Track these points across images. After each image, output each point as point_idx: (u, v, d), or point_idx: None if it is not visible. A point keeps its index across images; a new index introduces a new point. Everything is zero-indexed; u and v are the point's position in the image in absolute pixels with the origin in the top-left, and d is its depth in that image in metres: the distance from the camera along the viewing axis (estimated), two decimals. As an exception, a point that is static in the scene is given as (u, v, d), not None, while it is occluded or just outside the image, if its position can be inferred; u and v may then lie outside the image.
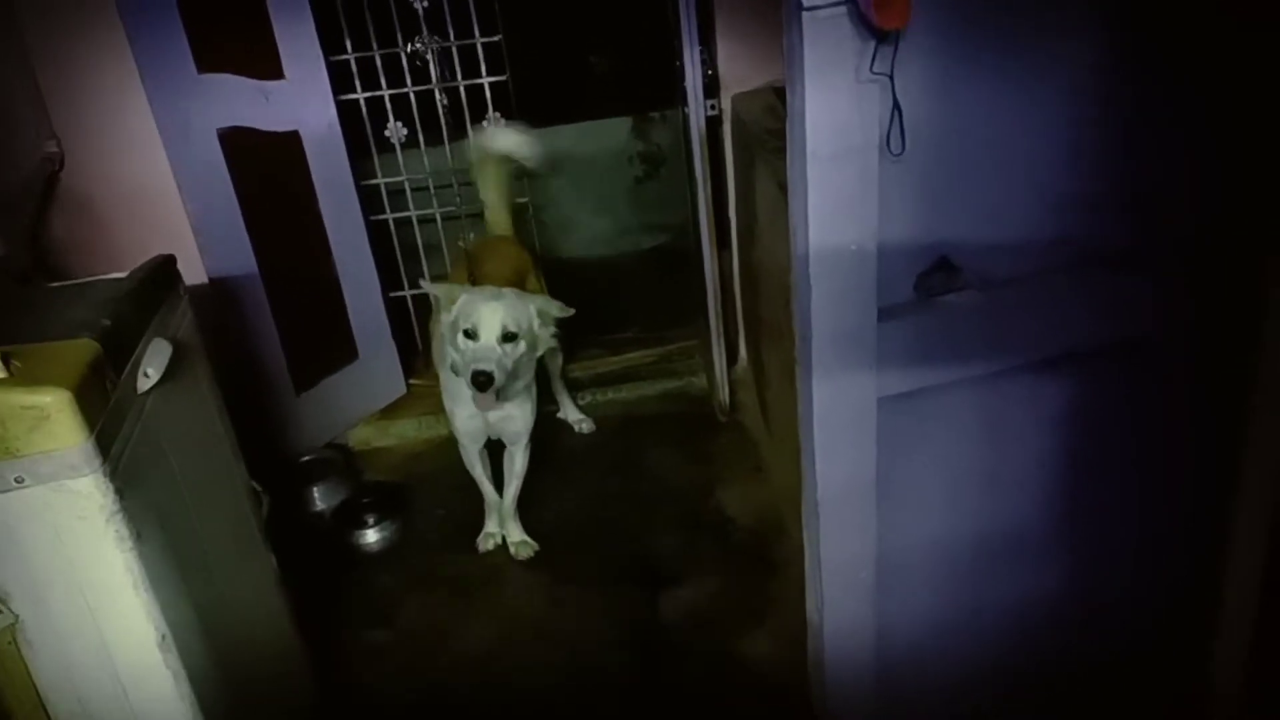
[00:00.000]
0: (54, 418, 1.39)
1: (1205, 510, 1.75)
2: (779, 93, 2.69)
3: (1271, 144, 1.48)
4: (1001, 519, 1.73)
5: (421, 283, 2.71)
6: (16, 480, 1.40)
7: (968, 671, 1.90)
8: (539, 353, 2.69)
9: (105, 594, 1.52)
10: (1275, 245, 1.52)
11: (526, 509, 3.05)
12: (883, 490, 1.59)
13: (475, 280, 2.86)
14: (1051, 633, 1.88)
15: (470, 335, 2.51)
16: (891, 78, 1.28)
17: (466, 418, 2.79)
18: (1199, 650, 1.81)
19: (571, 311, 2.66)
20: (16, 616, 1.50)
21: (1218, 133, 1.51)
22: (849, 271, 1.40)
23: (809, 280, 1.40)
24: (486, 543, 3.03)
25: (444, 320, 2.60)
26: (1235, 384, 1.65)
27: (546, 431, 3.48)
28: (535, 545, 2.98)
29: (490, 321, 2.50)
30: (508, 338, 2.52)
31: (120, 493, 1.48)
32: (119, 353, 1.59)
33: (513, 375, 2.59)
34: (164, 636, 1.57)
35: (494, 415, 2.77)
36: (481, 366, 2.47)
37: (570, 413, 3.62)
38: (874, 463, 1.56)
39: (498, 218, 3.34)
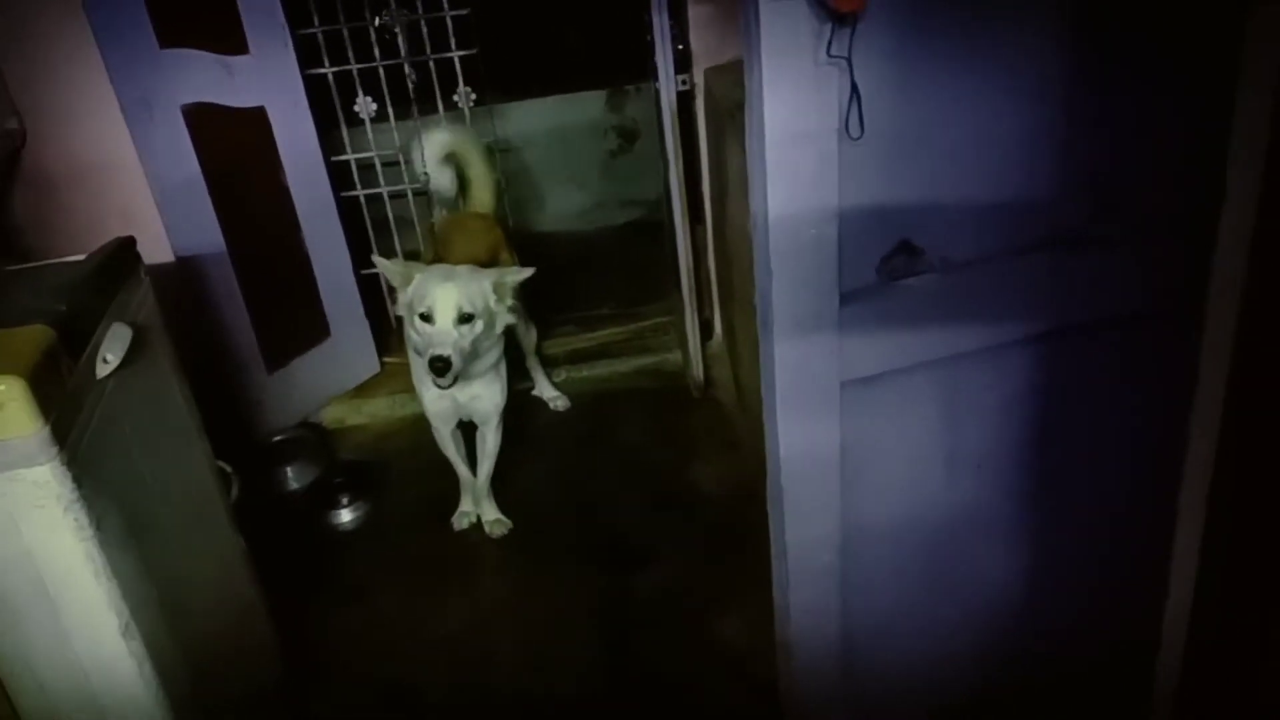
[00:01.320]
0: (6, 406, 1.38)
1: (1164, 491, 1.76)
2: (750, 68, 2.67)
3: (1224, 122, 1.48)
4: (964, 501, 1.73)
5: (375, 259, 2.62)
6: (-30, 470, 1.39)
7: (933, 652, 1.92)
8: (499, 329, 2.63)
9: (65, 583, 1.51)
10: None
11: (501, 487, 3.05)
12: (846, 473, 1.60)
13: (441, 258, 2.83)
14: (1016, 613, 1.89)
15: (426, 319, 2.46)
16: (850, 61, 1.27)
17: (435, 398, 2.76)
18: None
19: (530, 271, 2.60)
20: (-25, 606, 1.49)
21: (1176, 108, 1.50)
22: (810, 256, 1.40)
23: (769, 265, 1.40)
24: (461, 521, 3.03)
25: (400, 301, 2.55)
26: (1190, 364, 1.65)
27: (521, 409, 3.48)
28: (509, 523, 2.98)
29: (445, 304, 2.44)
30: (464, 319, 2.46)
31: (78, 480, 1.47)
32: (76, 338, 1.57)
33: (473, 355, 2.55)
34: (126, 624, 1.57)
35: (463, 395, 2.74)
36: (438, 351, 2.43)
37: (545, 390, 3.61)
38: (838, 446, 1.56)
39: (479, 195, 3.30)
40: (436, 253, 3.06)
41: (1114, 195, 1.54)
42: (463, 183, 3.33)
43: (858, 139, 1.34)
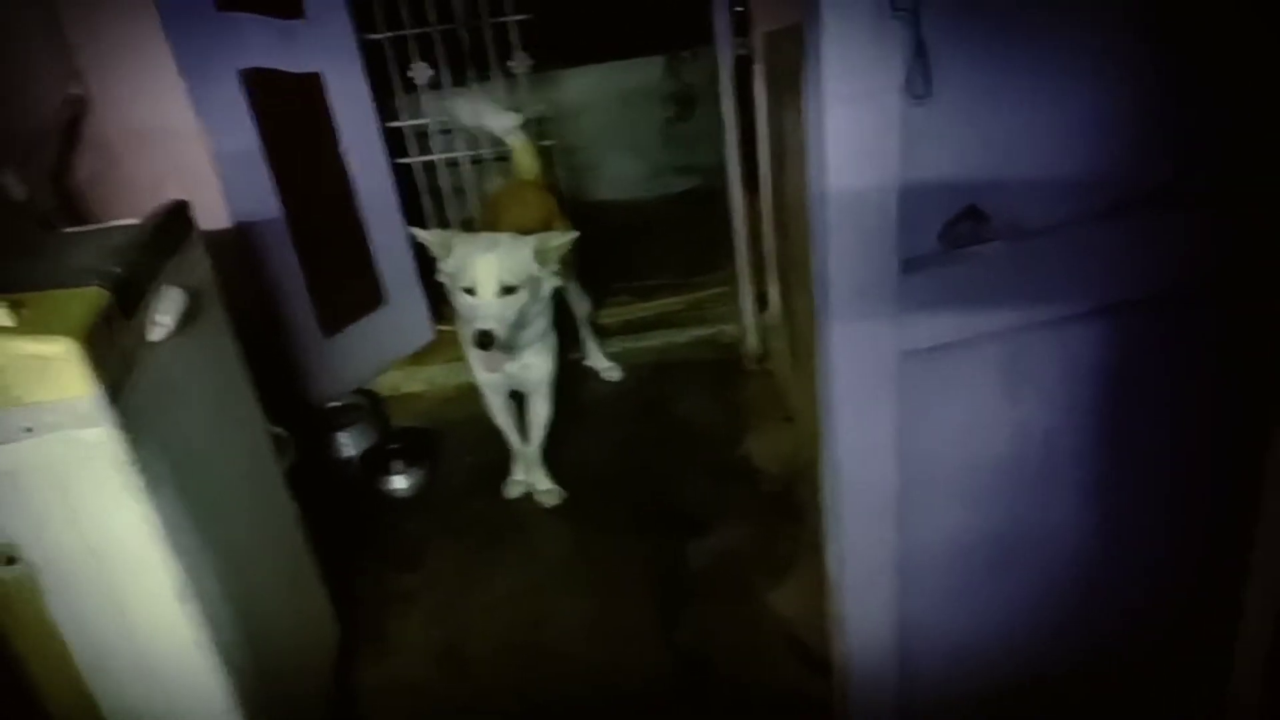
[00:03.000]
0: (62, 367, 1.38)
1: (1242, 471, 1.69)
2: (810, 30, 2.60)
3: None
4: (1028, 476, 1.67)
5: (413, 232, 2.58)
6: (25, 430, 1.40)
7: (993, 630, 1.87)
8: (545, 294, 2.58)
9: (118, 545, 1.52)
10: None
11: (553, 456, 3.04)
12: (904, 447, 1.55)
13: (493, 227, 2.80)
14: (1081, 592, 1.83)
15: (469, 291, 2.42)
16: (916, 14, 1.21)
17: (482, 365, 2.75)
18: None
19: (574, 235, 2.55)
20: (32, 565, 1.51)
21: (1259, 68, 1.42)
22: (870, 221, 1.34)
23: (827, 230, 1.34)
24: (513, 490, 3.02)
25: (443, 270, 2.51)
26: (1271, 336, 1.57)
27: (574, 378, 3.47)
28: (562, 492, 2.98)
29: (486, 277, 2.39)
30: (507, 290, 2.41)
31: (132, 443, 1.47)
32: (130, 301, 1.57)
33: (519, 325, 2.51)
34: (182, 587, 1.58)
35: (512, 365, 2.71)
36: (482, 325, 2.39)
37: (598, 360, 3.59)
38: (895, 418, 1.50)
39: (524, 162, 3.27)
40: (488, 221, 3.04)
41: (1193, 159, 1.46)
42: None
43: (922, 98, 1.28)
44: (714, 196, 3.62)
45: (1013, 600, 1.82)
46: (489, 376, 2.77)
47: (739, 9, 2.98)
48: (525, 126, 3.25)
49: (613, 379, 3.56)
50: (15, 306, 1.40)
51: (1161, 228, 1.49)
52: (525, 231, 2.62)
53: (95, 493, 1.47)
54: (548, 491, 2.98)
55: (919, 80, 1.26)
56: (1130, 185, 1.46)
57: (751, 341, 3.47)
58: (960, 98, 1.33)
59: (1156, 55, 1.39)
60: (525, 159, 3.25)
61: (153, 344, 1.62)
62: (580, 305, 3.41)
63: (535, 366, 2.77)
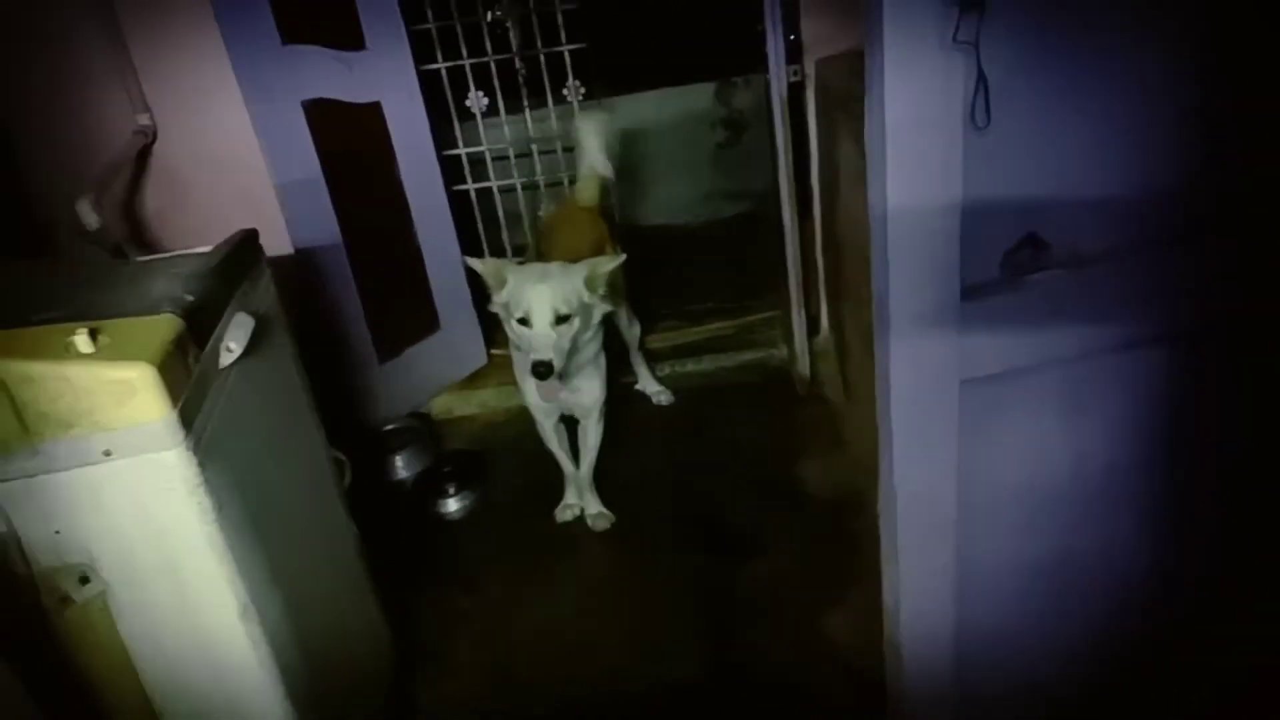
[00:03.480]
0: (139, 392, 1.42)
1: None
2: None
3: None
4: (1089, 504, 1.66)
5: (467, 261, 2.59)
6: (105, 453, 1.44)
7: (1051, 657, 1.85)
8: (597, 320, 2.60)
9: (189, 564, 1.56)
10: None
11: (604, 479, 3.06)
12: (963, 475, 1.54)
13: (545, 253, 2.83)
14: (1140, 620, 1.81)
15: (523, 322, 2.44)
16: (976, 46, 1.22)
17: (537, 393, 2.78)
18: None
19: (621, 258, 2.57)
20: (107, 584, 1.55)
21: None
22: (931, 248, 1.35)
23: (888, 258, 1.35)
24: (565, 514, 3.04)
25: (496, 301, 2.53)
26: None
27: (625, 403, 3.49)
28: (612, 517, 2.99)
29: (540, 307, 2.41)
30: (561, 320, 2.43)
31: (203, 465, 1.51)
32: (202, 327, 1.61)
33: (573, 352, 2.54)
34: (245, 606, 1.61)
35: (564, 391, 2.74)
36: (539, 356, 2.41)
37: (648, 384, 3.61)
38: (955, 447, 1.50)
39: (586, 188, 3.30)
40: (540, 247, 3.07)
41: (1251, 186, 1.45)
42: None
43: (983, 128, 1.29)
44: (764, 221, 3.63)
45: (1071, 624, 1.81)
46: (540, 401, 2.79)
47: (792, 36, 3.00)
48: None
49: (663, 403, 3.57)
50: (94, 334, 1.44)
51: (1219, 255, 1.48)
52: (579, 256, 2.65)
53: (167, 513, 1.51)
54: (598, 515, 2.99)
55: (980, 109, 1.27)
56: (1189, 212, 1.45)
57: (802, 366, 3.46)
58: (1020, 127, 1.33)
59: (1212, 84, 1.38)
60: (590, 186, 3.29)
61: (223, 369, 1.67)
62: (631, 330, 3.43)
63: (586, 391, 2.79)
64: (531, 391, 2.77)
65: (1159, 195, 1.44)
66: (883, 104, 1.26)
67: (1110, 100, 1.37)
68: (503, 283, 2.49)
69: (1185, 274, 1.47)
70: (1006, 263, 1.43)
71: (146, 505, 1.50)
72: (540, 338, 2.43)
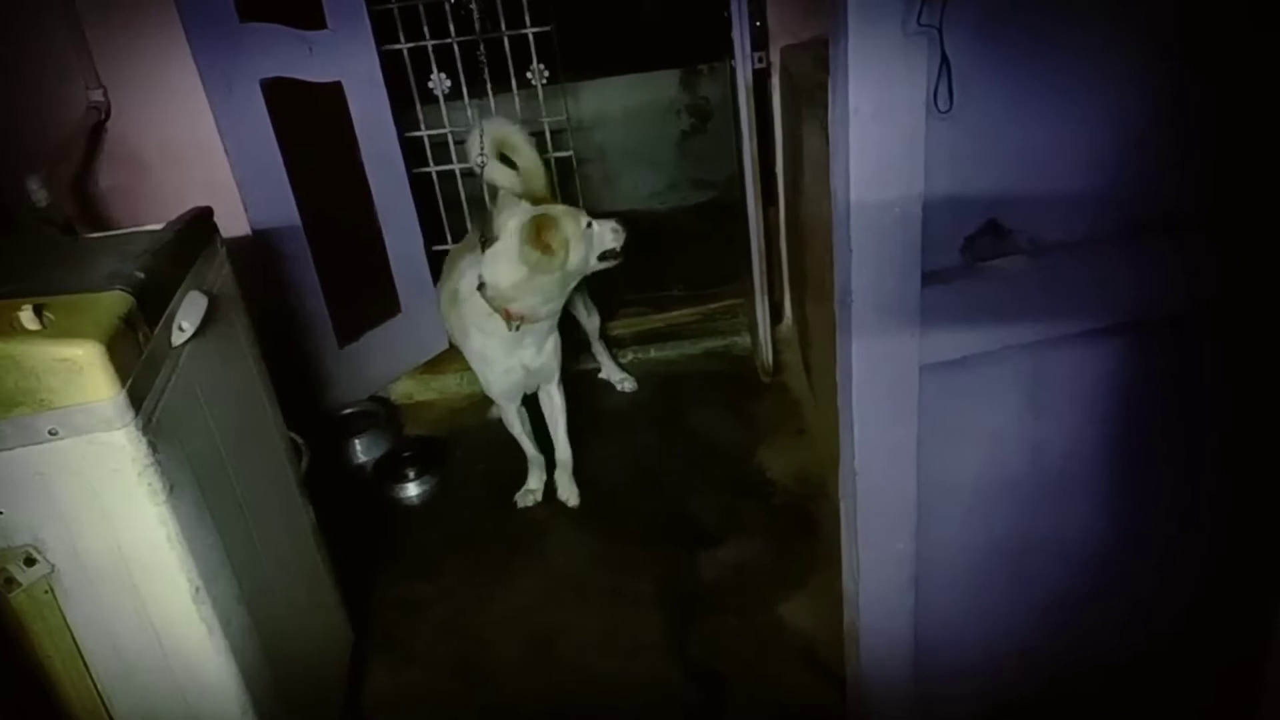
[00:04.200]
0: (86, 370, 1.39)
1: (1264, 488, 1.69)
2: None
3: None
4: (1048, 491, 1.67)
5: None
6: (50, 432, 1.41)
7: (1009, 644, 1.87)
8: (591, 268, 2.69)
9: (138, 546, 1.53)
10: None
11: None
12: (923, 460, 1.55)
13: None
14: (1098, 607, 1.83)
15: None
16: (940, 30, 1.22)
17: (503, 373, 2.76)
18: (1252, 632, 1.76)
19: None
20: (53, 566, 1.52)
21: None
22: (892, 234, 1.35)
23: (849, 243, 1.35)
24: (526, 499, 3.03)
25: (574, 257, 2.55)
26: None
27: (588, 391, 3.48)
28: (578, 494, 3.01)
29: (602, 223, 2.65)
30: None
31: (153, 446, 1.48)
32: (153, 305, 1.58)
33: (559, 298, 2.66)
34: (197, 589, 1.59)
35: (531, 358, 2.76)
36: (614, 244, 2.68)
37: (612, 372, 3.59)
38: (915, 432, 1.51)
39: (531, 184, 3.06)
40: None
41: (1212, 176, 1.46)
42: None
43: (946, 112, 1.29)
44: (728, 209, 3.63)
45: (1028, 611, 1.82)
46: (505, 383, 2.80)
47: (757, 23, 2.99)
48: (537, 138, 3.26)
49: (627, 390, 3.56)
50: (40, 311, 1.41)
51: (1178, 246, 1.50)
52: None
53: (116, 494, 1.48)
54: (572, 490, 3.01)
55: (943, 95, 1.27)
56: (1151, 204, 1.47)
57: (765, 354, 3.47)
58: (983, 113, 1.34)
59: (1178, 74, 1.39)
60: (530, 180, 3.08)
61: (175, 348, 1.64)
62: (590, 320, 3.41)
63: (549, 352, 2.82)
64: (496, 373, 2.77)
65: (1120, 184, 1.45)
66: (846, 89, 1.26)
67: (1073, 88, 1.37)
68: (580, 231, 2.59)
69: (1145, 263, 1.48)
70: (967, 249, 1.44)
71: (94, 486, 1.47)
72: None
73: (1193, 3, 1.35)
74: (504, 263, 2.51)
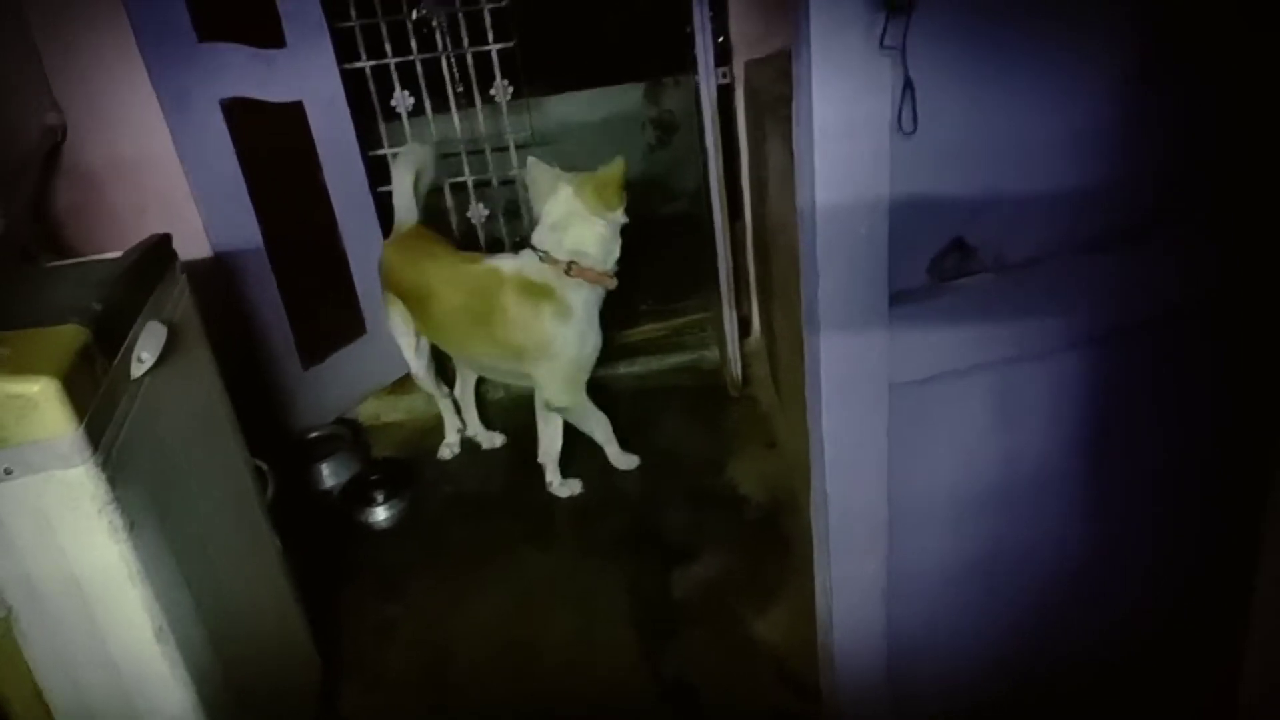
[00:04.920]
0: (42, 407, 1.36)
1: (1234, 493, 1.70)
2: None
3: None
4: (1018, 505, 1.68)
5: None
6: (5, 471, 1.38)
7: (981, 655, 1.87)
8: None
9: (99, 585, 1.49)
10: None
11: (535, 484, 3.06)
12: (894, 477, 1.55)
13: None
14: (1069, 619, 1.83)
15: None
16: (904, 52, 1.22)
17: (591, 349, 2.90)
18: (1227, 641, 1.77)
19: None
20: (10, 608, 1.48)
21: (1237, 98, 1.44)
22: (859, 255, 1.35)
23: (817, 264, 1.35)
24: (445, 452, 3.33)
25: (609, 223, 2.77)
26: (1267, 357, 1.59)
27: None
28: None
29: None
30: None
31: (113, 482, 1.45)
32: (111, 337, 1.55)
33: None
34: (160, 628, 1.55)
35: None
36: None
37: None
38: (886, 451, 1.51)
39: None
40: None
41: (1174, 187, 1.48)
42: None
43: (910, 134, 1.29)
44: (695, 222, 3.63)
45: (1000, 621, 1.83)
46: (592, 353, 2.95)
47: (720, 39, 3.00)
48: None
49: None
50: (-6, 345, 1.38)
51: (1141, 258, 1.51)
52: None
53: (76, 532, 1.44)
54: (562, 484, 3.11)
55: (907, 115, 1.27)
56: (1111, 218, 1.48)
57: (734, 368, 3.47)
58: (946, 132, 1.34)
59: (1137, 91, 1.40)
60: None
61: (134, 380, 1.60)
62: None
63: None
64: (588, 358, 2.90)
65: (1082, 201, 1.46)
66: (810, 110, 1.26)
67: (1035, 107, 1.38)
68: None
69: (1108, 278, 1.49)
70: (934, 268, 1.44)
71: (52, 525, 1.43)
72: None
73: (1150, 22, 1.37)
74: (576, 223, 2.76)
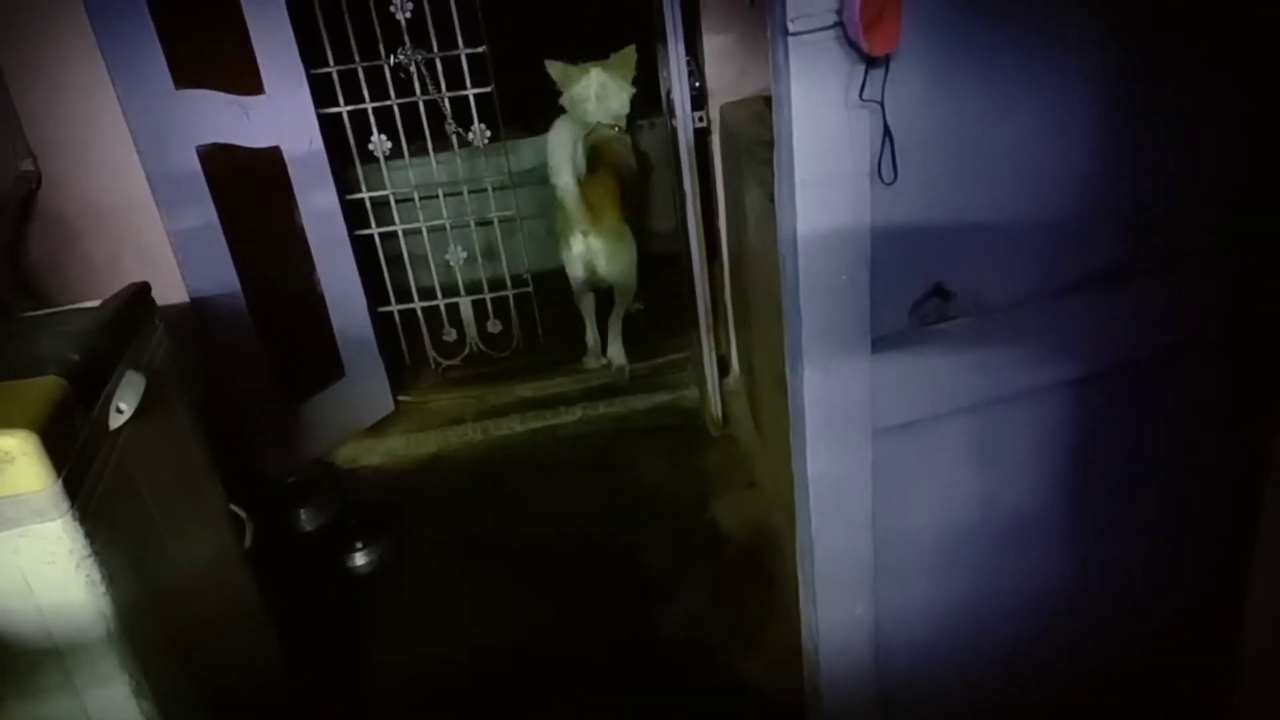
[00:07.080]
0: (19, 461, 1.35)
1: (1218, 532, 1.72)
2: (768, 102, 2.67)
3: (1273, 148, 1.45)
4: (1002, 546, 1.69)
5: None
6: (-20, 527, 1.36)
7: (968, 697, 1.87)
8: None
9: (76, 641, 1.47)
10: None
11: (518, 521, 3.07)
12: (879, 521, 1.55)
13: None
14: (1054, 663, 1.84)
15: None
16: (882, 104, 1.24)
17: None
18: (1212, 676, 1.79)
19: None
20: (-15, 666, 1.45)
21: (1211, 138, 1.47)
22: (841, 301, 1.36)
23: (799, 310, 1.36)
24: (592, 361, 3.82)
25: None
26: (1247, 395, 1.62)
27: (539, 445, 3.48)
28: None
29: None
30: None
31: (90, 536, 1.44)
32: (89, 388, 1.54)
33: None
34: (138, 685, 1.53)
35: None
36: None
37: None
38: (870, 496, 1.51)
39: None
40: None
41: (1151, 228, 1.50)
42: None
43: (890, 183, 1.31)
44: (669, 261, 3.65)
45: (988, 661, 1.83)
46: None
47: (697, 84, 3.03)
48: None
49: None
50: (-30, 399, 1.36)
51: (1119, 301, 1.53)
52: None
53: (52, 587, 1.43)
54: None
55: (886, 168, 1.29)
56: (1088, 262, 1.50)
57: (714, 407, 3.47)
58: (925, 180, 1.36)
59: (1110, 141, 1.43)
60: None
61: (112, 432, 1.59)
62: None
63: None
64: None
65: (1061, 244, 1.48)
66: (791, 160, 1.27)
67: (1012, 153, 1.40)
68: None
69: (1087, 321, 1.51)
70: (915, 312, 1.45)
71: (28, 580, 1.41)
72: None
73: (1127, 66, 1.39)
74: (613, 91, 3.80)
